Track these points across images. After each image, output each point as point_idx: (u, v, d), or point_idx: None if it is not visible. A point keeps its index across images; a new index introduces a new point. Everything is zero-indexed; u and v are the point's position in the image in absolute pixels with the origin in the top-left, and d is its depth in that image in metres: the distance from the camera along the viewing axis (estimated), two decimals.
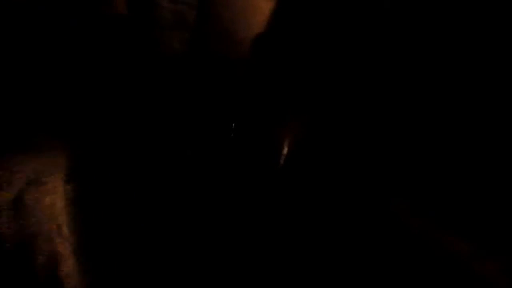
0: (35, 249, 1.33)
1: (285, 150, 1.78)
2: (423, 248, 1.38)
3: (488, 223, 1.35)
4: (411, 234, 1.42)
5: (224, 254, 1.67)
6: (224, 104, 1.84)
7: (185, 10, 1.73)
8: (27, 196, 1.41)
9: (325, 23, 1.63)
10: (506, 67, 1.31)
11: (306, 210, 1.70)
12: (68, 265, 1.40)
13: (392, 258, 1.48)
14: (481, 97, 1.35)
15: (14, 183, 1.40)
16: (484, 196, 1.38)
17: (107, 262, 1.61)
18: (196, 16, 1.74)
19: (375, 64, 1.57)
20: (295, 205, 1.72)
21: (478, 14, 1.35)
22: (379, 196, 1.54)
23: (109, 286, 1.62)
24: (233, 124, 1.84)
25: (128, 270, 1.61)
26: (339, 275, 1.60)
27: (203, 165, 1.85)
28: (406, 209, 1.47)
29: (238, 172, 1.83)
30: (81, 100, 1.75)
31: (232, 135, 1.85)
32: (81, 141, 1.72)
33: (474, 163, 1.40)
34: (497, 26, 1.34)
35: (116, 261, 1.61)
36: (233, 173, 1.84)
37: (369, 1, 1.56)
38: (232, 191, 1.80)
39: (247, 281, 1.67)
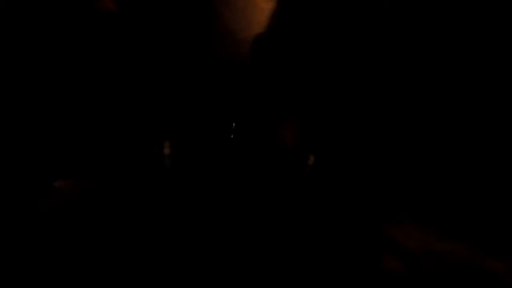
0: None
1: (285, 152, 1.77)
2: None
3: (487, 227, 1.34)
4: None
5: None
6: (223, 103, 1.84)
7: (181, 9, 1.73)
8: None
9: (325, 24, 1.63)
10: (505, 67, 1.31)
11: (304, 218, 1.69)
12: None
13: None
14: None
15: None
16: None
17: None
18: (196, 16, 1.74)
19: (376, 63, 1.57)
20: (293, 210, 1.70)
21: (477, 14, 1.35)
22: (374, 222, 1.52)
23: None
24: (233, 124, 1.84)
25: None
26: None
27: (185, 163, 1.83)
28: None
29: (233, 172, 1.82)
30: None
31: (231, 135, 1.84)
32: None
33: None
34: (496, 27, 1.34)
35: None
36: (228, 173, 1.82)
37: (369, 1, 1.56)
38: (224, 192, 1.79)
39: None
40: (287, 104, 1.73)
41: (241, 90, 1.78)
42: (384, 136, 1.52)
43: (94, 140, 1.65)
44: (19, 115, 1.54)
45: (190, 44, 1.71)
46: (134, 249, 1.69)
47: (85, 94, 1.64)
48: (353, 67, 1.60)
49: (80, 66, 1.67)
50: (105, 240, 1.66)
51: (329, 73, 1.64)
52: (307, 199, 1.70)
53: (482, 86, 1.33)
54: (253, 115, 1.81)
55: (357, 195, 1.61)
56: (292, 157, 1.79)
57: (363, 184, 1.59)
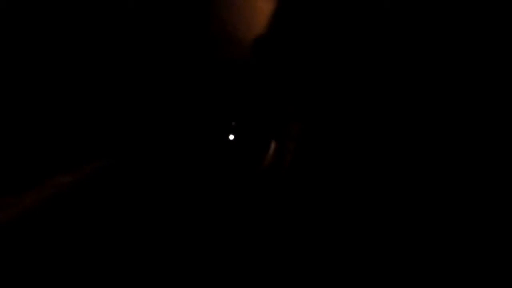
0: None
1: (283, 153, 1.78)
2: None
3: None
4: None
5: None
6: (223, 104, 1.84)
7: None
8: None
9: (325, 24, 1.64)
10: (505, 67, 1.32)
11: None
12: None
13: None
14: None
15: None
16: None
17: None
18: (195, 17, 1.74)
19: (376, 65, 1.58)
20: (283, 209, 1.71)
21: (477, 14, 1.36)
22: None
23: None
24: (233, 124, 1.85)
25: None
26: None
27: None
28: None
29: (229, 171, 1.83)
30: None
31: (231, 135, 1.85)
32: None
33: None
34: (496, 27, 1.35)
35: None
36: (224, 173, 1.83)
37: (369, 1, 1.57)
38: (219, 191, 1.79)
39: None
40: (287, 105, 1.74)
41: (241, 90, 1.79)
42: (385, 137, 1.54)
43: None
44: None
45: (188, 45, 1.72)
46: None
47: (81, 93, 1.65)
48: (353, 67, 1.61)
49: (77, 67, 1.66)
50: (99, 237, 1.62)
51: (329, 73, 1.65)
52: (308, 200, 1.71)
53: (482, 87, 1.35)
54: (252, 116, 1.82)
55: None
56: (293, 157, 1.80)
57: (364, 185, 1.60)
